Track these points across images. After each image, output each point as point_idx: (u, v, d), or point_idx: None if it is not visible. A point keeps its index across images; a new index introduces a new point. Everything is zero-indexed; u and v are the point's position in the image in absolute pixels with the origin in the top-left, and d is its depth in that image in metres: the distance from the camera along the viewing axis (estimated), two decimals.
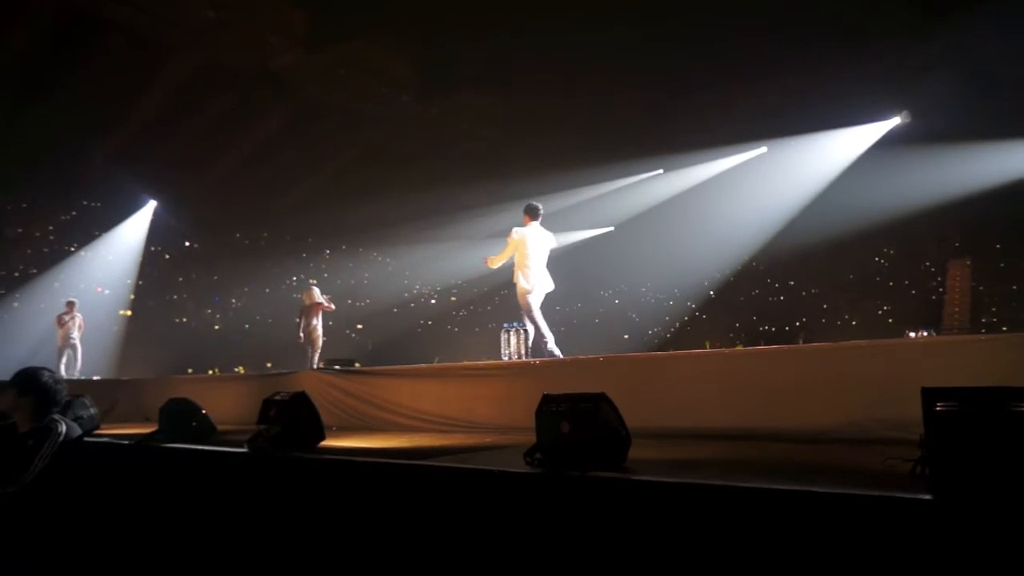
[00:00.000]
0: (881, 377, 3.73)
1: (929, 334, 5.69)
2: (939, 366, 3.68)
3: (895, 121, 12.25)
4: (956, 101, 9.96)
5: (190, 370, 12.62)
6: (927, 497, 1.99)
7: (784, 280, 14.76)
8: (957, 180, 10.91)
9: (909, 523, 1.97)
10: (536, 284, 6.90)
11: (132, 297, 15.12)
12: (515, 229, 7.05)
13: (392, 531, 3.18)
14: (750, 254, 14.14)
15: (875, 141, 12.38)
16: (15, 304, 13.69)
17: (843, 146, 12.65)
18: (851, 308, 13.69)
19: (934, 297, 11.66)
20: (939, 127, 10.67)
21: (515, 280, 7.04)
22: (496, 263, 7.24)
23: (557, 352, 6.65)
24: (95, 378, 10.87)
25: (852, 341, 4.21)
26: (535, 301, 6.91)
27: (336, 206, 14.97)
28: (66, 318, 12.05)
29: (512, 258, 7.08)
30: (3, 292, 13.58)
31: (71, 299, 12.37)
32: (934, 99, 10.46)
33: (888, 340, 4.30)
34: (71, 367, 11.84)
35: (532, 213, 7.09)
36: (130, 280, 15.11)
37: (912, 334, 5.75)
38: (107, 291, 14.64)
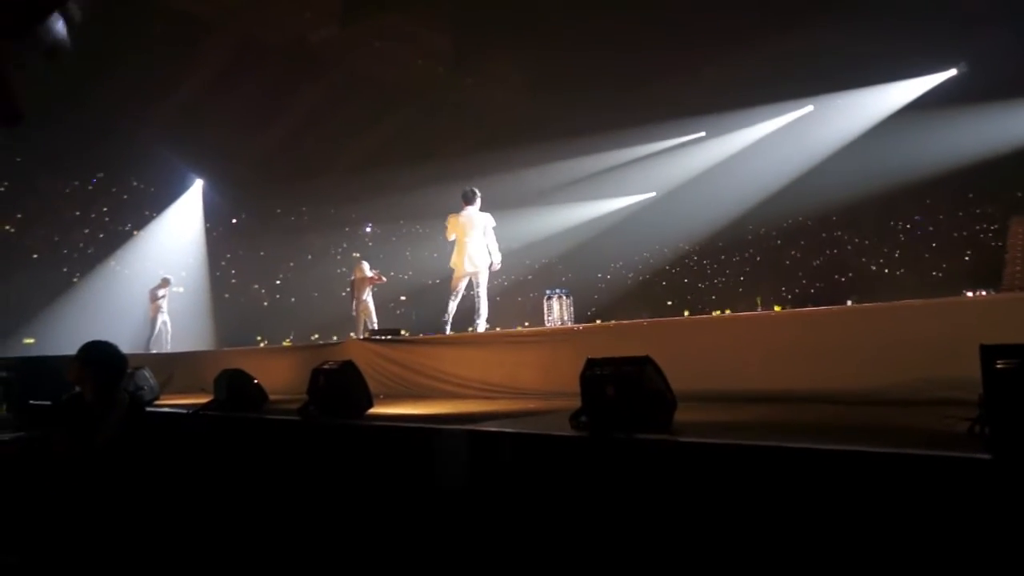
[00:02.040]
0: (936, 337, 3.60)
1: (988, 294, 5.47)
2: (998, 325, 3.54)
3: (951, 73, 11.70)
4: (1016, 50, 9.45)
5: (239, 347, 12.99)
6: (986, 456, 1.94)
7: (832, 240, 14.35)
8: (1018, 132, 10.40)
9: (967, 483, 1.92)
10: (476, 263, 7.44)
11: (184, 274, 15.61)
12: (450, 215, 7.65)
13: (441, 494, 3.25)
14: (797, 214, 13.78)
15: (929, 92, 11.85)
16: (74, 280, 14.26)
17: (895, 99, 12.13)
18: (903, 268, 13.27)
19: (993, 257, 11.19)
20: (999, 78, 10.15)
21: (453, 261, 7.64)
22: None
23: (482, 328, 7.28)
24: (152, 351, 11.27)
25: (905, 300, 4.06)
26: (484, 280, 7.51)
27: (377, 179, 15.08)
28: (159, 293, 12.50)
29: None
30: (65, 270, 14.15)
31: (166, 276, 12.84)
32: (992, 49, 9.93)
33: (943, 299, 4.15)
34: (162, 340, 12.34)
35: (465, 198, 7.68)
36: (190, 259, 15.65)
37: (970, 294, 5.53)
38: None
